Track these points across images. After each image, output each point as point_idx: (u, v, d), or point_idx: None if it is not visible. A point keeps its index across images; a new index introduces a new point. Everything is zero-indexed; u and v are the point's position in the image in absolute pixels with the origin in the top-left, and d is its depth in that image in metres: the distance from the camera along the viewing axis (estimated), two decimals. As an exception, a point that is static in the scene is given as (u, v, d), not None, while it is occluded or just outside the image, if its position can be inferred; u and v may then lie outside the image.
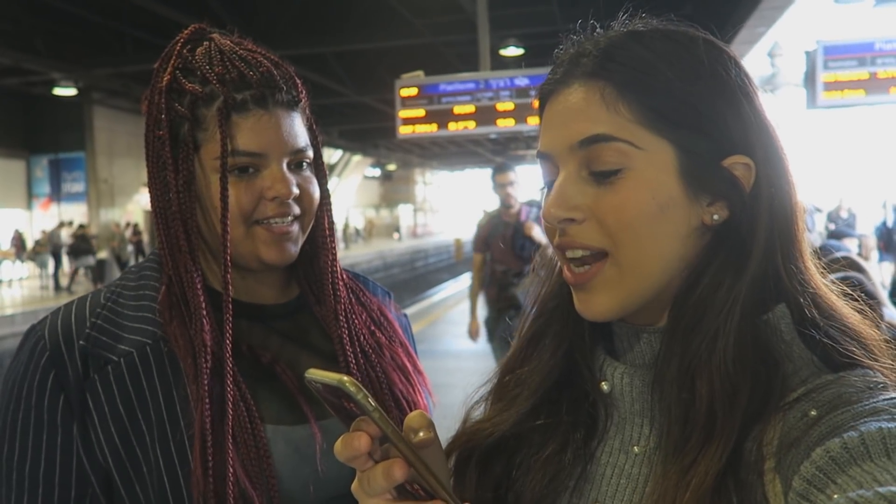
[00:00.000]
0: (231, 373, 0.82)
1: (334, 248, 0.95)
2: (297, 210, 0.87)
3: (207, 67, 0.83)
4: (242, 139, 0.82)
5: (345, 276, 0.99)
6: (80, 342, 0.81)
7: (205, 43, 0.86)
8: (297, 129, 0.87)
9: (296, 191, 0.85)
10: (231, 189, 0.83)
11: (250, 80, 0.83)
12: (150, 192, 0.88)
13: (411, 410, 0.91)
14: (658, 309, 0.62)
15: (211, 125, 0.82)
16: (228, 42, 0.87)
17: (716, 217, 0.59)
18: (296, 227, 0.87)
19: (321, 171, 0.93)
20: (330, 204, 0.95)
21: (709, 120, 0.58)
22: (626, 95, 0.58)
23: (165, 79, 0.84)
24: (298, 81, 0.89)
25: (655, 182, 0.58)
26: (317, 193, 0.90)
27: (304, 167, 0.89)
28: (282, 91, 0.85)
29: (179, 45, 0.86)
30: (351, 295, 0.98)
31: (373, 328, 0.98)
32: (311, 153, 0.89)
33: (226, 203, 0.82)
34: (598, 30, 0.65)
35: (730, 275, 0.58)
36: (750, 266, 0.58)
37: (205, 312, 0.83)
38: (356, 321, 0.96)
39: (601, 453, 0.66)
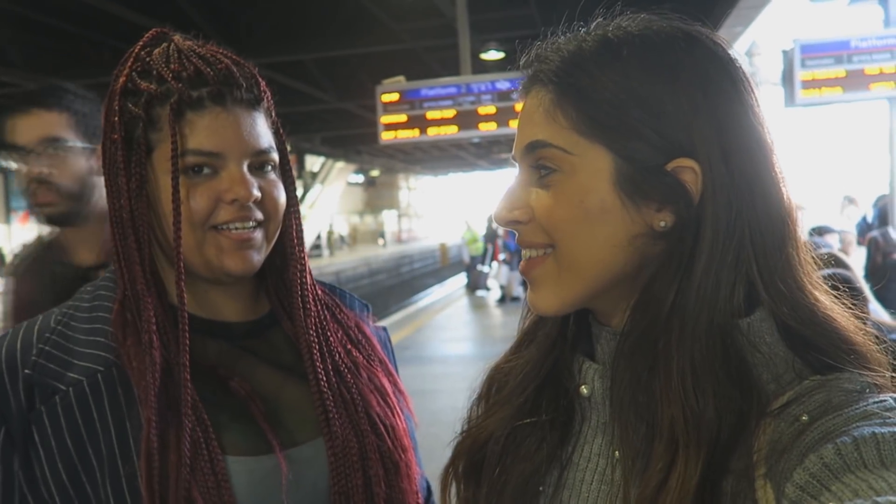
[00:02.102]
0: (188, 397, 0.76)
1: (304, 257, 0.90)
2: (259, 215, 0.82)
3: (163, 66, 0.79)
4: (197, 138, 0.78)
5: (319, 291, 0.94)
6: (26, 371, 0.76)
7: (163, 44, 0.82)
8: (259, 129, 0.82)
9: (257, 194, 0.80)
10: (184, 191, 0.78)
11: (207, 76, 0.79)
12: (107, 201, 0.83)
13: (389, 434, 0.88)
14: (620, 308, 0.62)
15: (165, 125, 0.78)
16: (189, 43, 0.83)
17: (662, 224, 0.58)
18: (259, 235, 0.82)
19: (288, 177, 0.88)
20: (298, 210, 0.90)
21: (649, 125, 0.57)
22: (563, 103, 0.60)
23: (121, 81, 0.80)
24: (261, 81, 0.84)
25: (585, 188, 0.58)
26: (282, 198, 0.85)
27: (268, 170, 0.84)
28: (241, 88, 0.80)
29: (138, 48, 0.82)
30: (325, 311, 0.93)
31: (349, 347, 0.93)
32: (275, 156, 0.84)
33: (178, 205, 0.77)
34: (580, 29, 0.64)
35: (673, 287, 0.57)
36: (694, 278, 0.56)
37: (155, 327, 0.77)
38: (331, 339, 0.91)
39: (579, 458, 0.65)
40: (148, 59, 0.81)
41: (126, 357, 0.77)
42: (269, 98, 0.86)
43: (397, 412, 0.93)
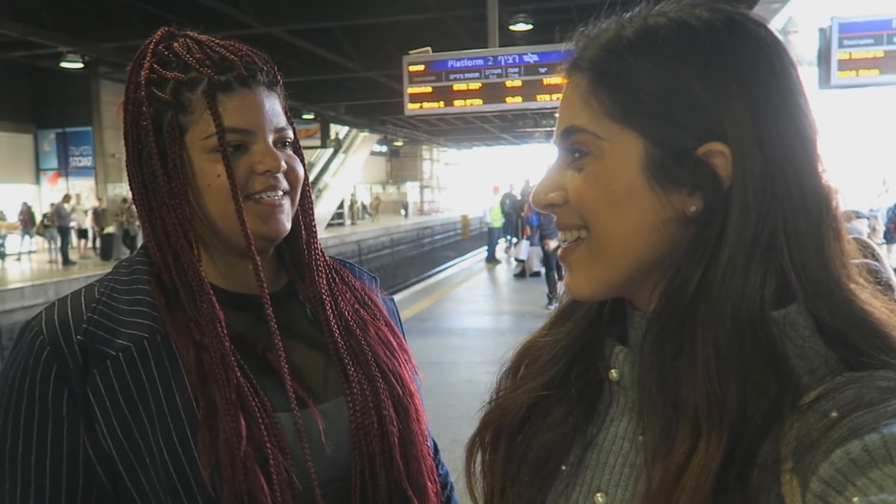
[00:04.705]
0: (236, 362, 0.84)
1: (314, 227, 0.99)
2: (285, 185, 0.90)
3: (188, 56, 0.87)
4: (230, 117, 0.86)
5: (329, 260, 1.03)
6: (79, 337, 0.83)
7: (180, 39, 0.90)
8: (278, 108, 0.91)
9: (284, 165, 0.89)
10: (220, 166, 0.85)
11: (233, 62, 0.87)
12: (131, 187, 0.90)
13: (398, 383, 0.96)
14: (653, 294, 0.62)
15: (197, 108, 0.85)
16: (205, 36, 0.91)
17: (693, 209, 0.57)
18: (286, 203, 0.91)
19: (300, 155, 0.96)
20: (308, 185, 0.99)
21: (680, 110, 0.57)
22: (597, 90, 0.60)
23: (143, 73, 0.87)
24: (275, 66, 0.92)
25: (613, 171, 0.59)
26: (302, 171, 0.94)
27: (287, 146, 0.92)
28: (262, 72, 0.89)
29: (153, 44, 0.89)
30: (335, 275, 1.02)
31: (357, 307, 1.01)
32: (291, 134, 0.93)
33: (233, 178, 0.85)
34: (623, 15, 0.64)
35: (697, 271, 0.56)
36: (719, 264, 0.55)
37: (211, 292, 0.86)
38: (341, 300, 0.99)
39: (603, 440, 0.65)
40: (167, 52, 0.88)
41: (168, 324, 0.85)
42: (282, 83, 0.94)
43: (403, 364, 1.00)
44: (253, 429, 0.82)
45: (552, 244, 8.92)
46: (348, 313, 0.98)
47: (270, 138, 0.88)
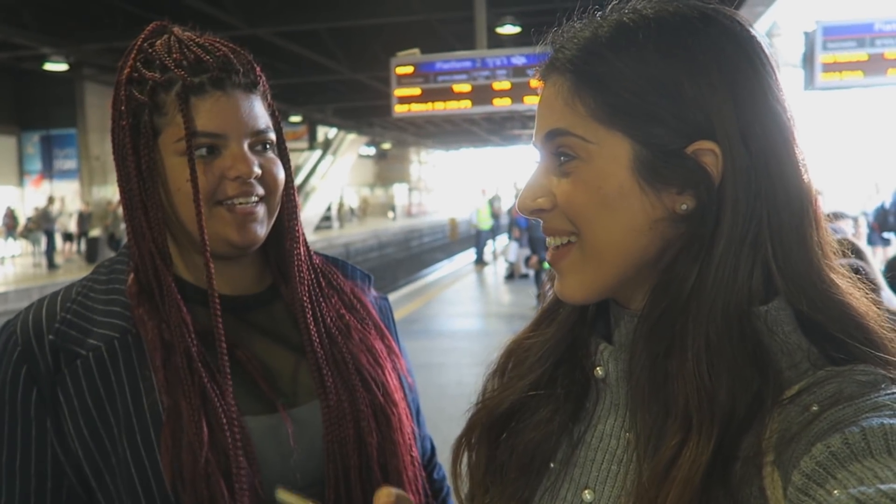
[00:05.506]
0: (199, 360, 0.83)
1: (298, 230, 0.96)
2: (260, 190, 0.87)
3: (166, 55, 0.85)
4: (201, 120, 0.84)
5: (317, 260, 1.01)
6: (50, 337, 0.83)
7: (164, 36, 0.88)
8: (257, 110, 0.88)
9: (258, 170, 0.86)
10: (189, 170, 0.83)
11: (207, 63, 0.85)
12: (118, 186, 0.89)
13: (380, 391, 0.94)
14: (641, 292, 0.62)
15: (170, 109, 0.84)
16: (188, 34, 0.89)
17: (684, 207, 0.57)
18: (261, 209, 0.88)
19: (284, 156, 0.93)
20: (293, 188, 0.96)
21: (667, 109, 0.57)
22: (581, 92, 0.59)
23: (126, 72, 0.86)
24: (257, 67, 0.90)
25: (603, 174, 0.59)
26: (281, 175, 0.90)
27: (267, 149, 0.89)
28: (239, 73, 0.86)
29: (140, 40, 0.88)
30: (321, 278, 1.00)
31: (342, 311, 0.99)
32: (272, 136, 0.90)
33: (196, 184, 0.83)
34: (596, 14, 0.63)
35: (694, 268, 0.57)
36: (713, 260, 0.56)
37: (179, 296, 0.84)
38: (324, 304, 0.97)
39: (591, 437, 0.66)
40: (150, 50, 0.86)
41: (139, 320, 0.84)
42: (265, 83, 0.92)
43: (388, 371, 0.97)
44: (217, 434, 0.80)
45: (535, 261, 8.98)
46: (331, 319, 0.96)
47: (246, 142, 0.86)
